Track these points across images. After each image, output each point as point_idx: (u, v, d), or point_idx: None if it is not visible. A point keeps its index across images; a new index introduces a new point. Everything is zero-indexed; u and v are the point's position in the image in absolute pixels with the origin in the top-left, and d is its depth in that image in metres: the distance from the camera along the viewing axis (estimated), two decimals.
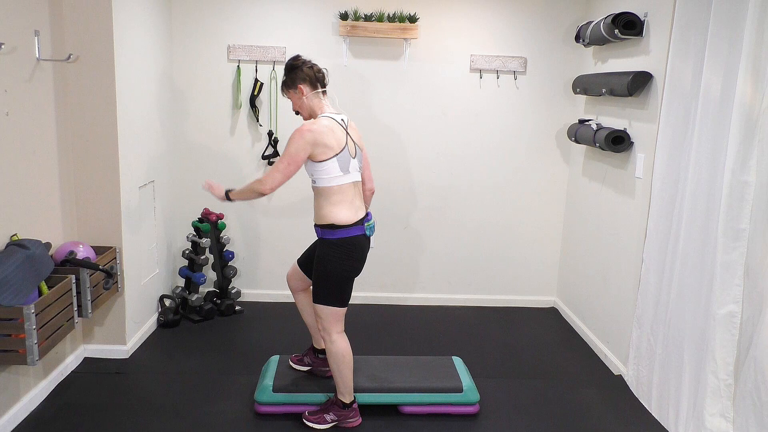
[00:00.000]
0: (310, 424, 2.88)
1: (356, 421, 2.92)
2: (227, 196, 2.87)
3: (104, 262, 3.18)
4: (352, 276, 2.82)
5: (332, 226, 2.73)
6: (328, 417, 2.89)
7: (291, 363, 3.20)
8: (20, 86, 2.80)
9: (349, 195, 2.76)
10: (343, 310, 2.83)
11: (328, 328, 2.80)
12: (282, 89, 2.89)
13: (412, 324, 4.19)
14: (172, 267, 4.28)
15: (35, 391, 2.96)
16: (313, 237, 2.79)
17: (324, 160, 2.68)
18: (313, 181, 2.77)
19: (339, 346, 2.81)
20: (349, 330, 3.95)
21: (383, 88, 4.25)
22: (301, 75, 2.79)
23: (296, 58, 2.85)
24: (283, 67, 2.87)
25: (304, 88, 2.79)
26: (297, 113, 2.90)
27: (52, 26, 3.04)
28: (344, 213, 2.73)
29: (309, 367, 3.17)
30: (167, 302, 4.04)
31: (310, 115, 2.84)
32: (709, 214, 2.70)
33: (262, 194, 2.74)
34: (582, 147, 4.17)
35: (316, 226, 2.81)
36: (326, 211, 2.74)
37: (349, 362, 2.84)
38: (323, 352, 3.11)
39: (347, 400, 2.89)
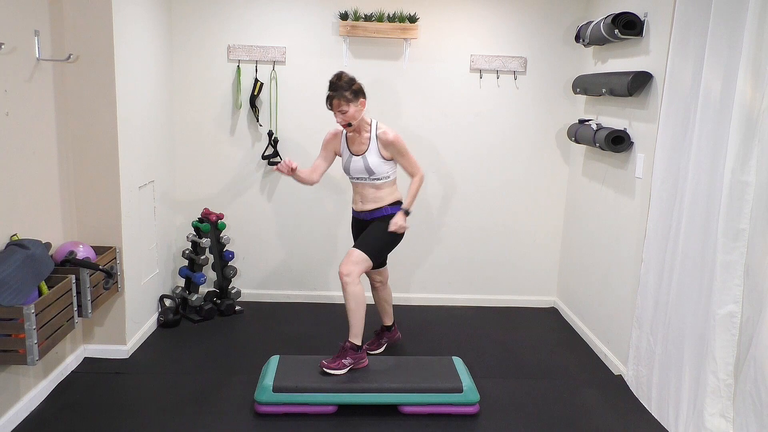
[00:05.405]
0: (332, 371, 3.09)
1: (365, 361, 3.22)
2: (407, 213, 3.29)
3: (104, 262, 3.18)
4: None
5: (398, 202, 3.35)
6: (345, 362, 3.13)
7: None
8: (20, 86, 2.80)
9: None
10: (371, 266, 3.25)
11: (356, 272, 3.14)
12: (340, 103, 3.07)
13: (412, 324, 4.19)
14: (172, 267, 4.28)
15: (35, 391, 2.96)
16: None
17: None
18: (387, 177, 3.28)
19: (360, 288, 3.16)
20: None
21: (383, 88, 4.25)
22: (362, 89, 3.14)
23: (344, 74, 3.13)
24: (338, 82, 3.07)
25: (365, 102, 3.16)
26: (349, 125, 3.13)
27: (52, 26, 3.04)
28: (398, 194, 3.39)
29: (383, 347, 3.70)
30: (167, 302, 4.04)
31: (359, 124, 3.19)
32: (709, 214, 2.70)
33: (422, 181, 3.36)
34: (582, 147, 4.17)
35: (381, 208, 3.29)
36: (397, 194, 3.36)
37: (364, 305, 3.19)
38: (389, 328, 3.67)
39: (359, 342, 3.19)
